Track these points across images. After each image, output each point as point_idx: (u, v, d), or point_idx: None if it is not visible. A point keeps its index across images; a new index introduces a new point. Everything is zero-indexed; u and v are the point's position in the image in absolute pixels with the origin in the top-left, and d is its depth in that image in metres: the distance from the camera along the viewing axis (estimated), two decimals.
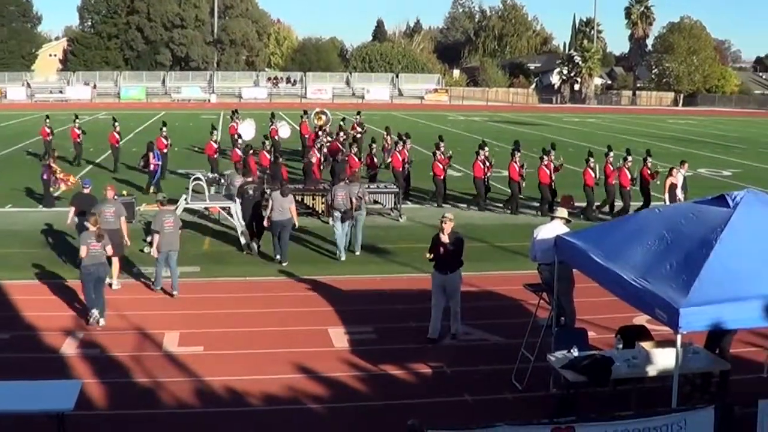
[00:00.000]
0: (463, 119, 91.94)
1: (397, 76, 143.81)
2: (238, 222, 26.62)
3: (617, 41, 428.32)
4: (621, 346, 15.07)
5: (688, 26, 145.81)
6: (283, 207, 24.75)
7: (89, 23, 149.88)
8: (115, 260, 21.78)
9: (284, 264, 24.86)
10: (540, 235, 17.00)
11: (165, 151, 40.60)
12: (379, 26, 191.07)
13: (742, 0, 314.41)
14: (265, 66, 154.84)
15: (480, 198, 34.43)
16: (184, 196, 27.59)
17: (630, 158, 33.42)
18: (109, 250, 19.16)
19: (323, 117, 49.25)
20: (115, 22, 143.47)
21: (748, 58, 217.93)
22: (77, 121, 47.12)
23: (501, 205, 34.62)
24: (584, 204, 32.79)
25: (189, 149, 54.26)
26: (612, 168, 33.48)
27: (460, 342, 18.30)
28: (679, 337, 11.40)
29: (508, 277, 22.93)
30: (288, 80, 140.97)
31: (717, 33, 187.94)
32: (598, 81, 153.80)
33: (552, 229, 16.88)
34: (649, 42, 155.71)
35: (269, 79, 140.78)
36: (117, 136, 43.83)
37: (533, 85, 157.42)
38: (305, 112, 52.74)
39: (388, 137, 41.70)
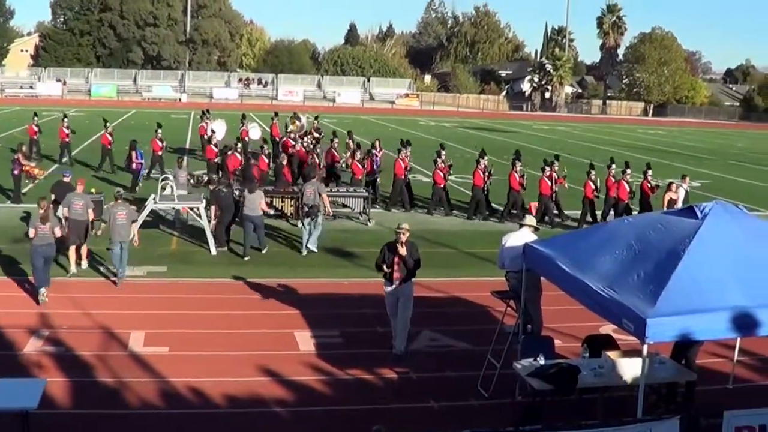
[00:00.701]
0: (433, 125, 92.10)
1: (368, 80, 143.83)
2: (206, 223, 26.55)
3: (588, 50, 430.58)
4: (587, 355, 15.10)
5: (659, 37, 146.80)
6: (253, 204, 25.54)
7: (62, 19, 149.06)
8: (75, 249, 22.89)
9: (263, 251, 26.15)
10: (508, 243, 17.05)
11: (160, 153, 40.70)
12: (352, 30, 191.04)
13: (713, 12, 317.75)
14: (237, 67, 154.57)
15: (481, 207, 34.06)
16: (152, 196, 27.44)
17: (629, 171, 32.89)
18: (57, 232, 20.45)
19: (297, 122, 49.01)
20: (88, 19, 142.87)
21: (719, 69, 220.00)
22: (66, 120, 46.46)
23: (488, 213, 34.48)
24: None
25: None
26: (614, 180, 32.86)
27: (427, 348, 18.29)
28: (645, 347, 11.44)
29: (476, 284, 22.92)
30: (259, 81, 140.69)
31: (688, 44, 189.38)
32: (568, 89, 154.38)
33: (520, 236, 16.92)
34: (621, 52, 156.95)
35: (241, 80, 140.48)
36: (109, 137, 43.32)
37: (504, 92, 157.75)
38: (276, 114, 52.60)
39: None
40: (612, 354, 14.60)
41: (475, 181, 33.94)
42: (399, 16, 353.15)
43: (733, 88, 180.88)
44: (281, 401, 15.16)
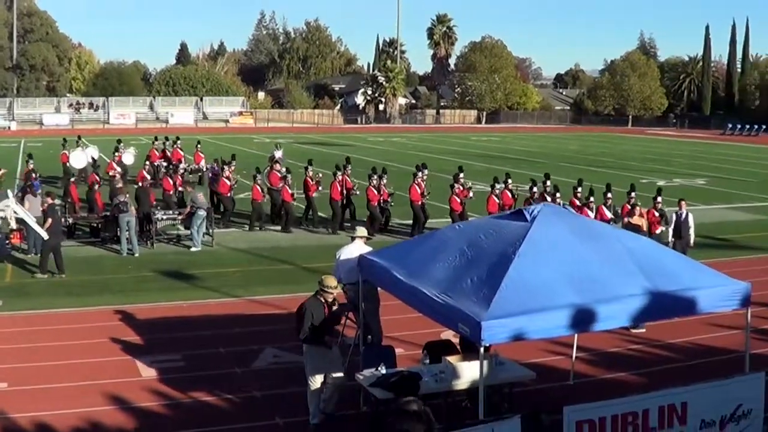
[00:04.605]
0: (268, 141, 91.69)
1: (201, 100, 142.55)
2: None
3: (421, 61, 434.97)
4: (428, 361, 15.22)
5: (489, 45, 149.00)
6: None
7: None
8: None
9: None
10: (343, 255, 17.14)
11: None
12: (183, 49, 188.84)
13: (541, 20, 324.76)
14: (67, 91, 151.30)
15: (419, 223, 33.62)
16: None
17: (610, 195, 29.45)
18: None
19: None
20: None
21: (549, 75, 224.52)
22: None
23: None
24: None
25: None
26: (578, 203, 29.82)
27: (270, 366, 18.24)
28: (482, 349, 11.60)
29: None
30: (90, 105, 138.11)
31: (518, 51, 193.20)
32: (402, 100, 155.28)
33: (355, 248, 17.03)
34: (452, 61, 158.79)
35: (71, 104, 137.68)
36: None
37: (338, 106, 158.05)
38: (156, 138, 52.18)
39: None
40: (452, 359, 14.74)
41: (412, 196, 33.94)
42: (230, 34, 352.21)
43: (564, 93, 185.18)
44: (125, 430, 14.90)
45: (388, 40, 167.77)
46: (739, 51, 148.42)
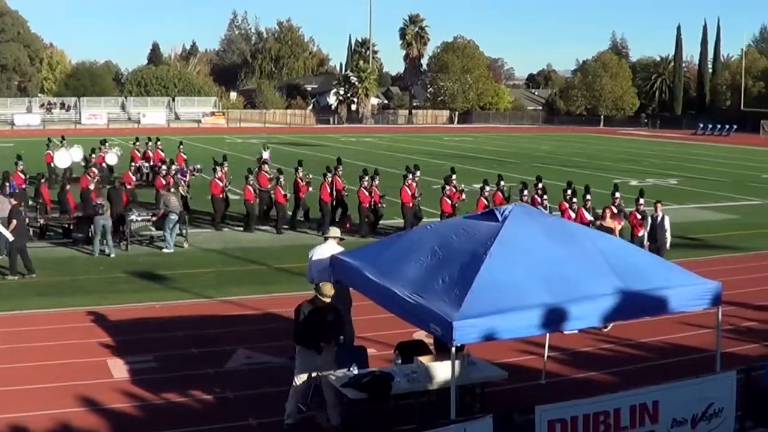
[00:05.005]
0: (240, 142, 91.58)
1: (173, 100, 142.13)
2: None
3: (393, 61, 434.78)
4: (400, 361, 15.21)
5: (461, 45, 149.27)
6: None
7: None
8: None
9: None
10: (315, 256, 17.11)
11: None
12: (155, 49, 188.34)
13: (513, 20, 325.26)
14: (38, 91, 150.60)
15: (407, 224, 33.01)
16: None
17: (589, 196, 29.15)
18: None
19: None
20: None
21: (521, 75, 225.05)
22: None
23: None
24: None
25: None
26: (566, 205, 29.46)
27: (244, 366, 18.17)
28: (453, 349, 11.61)
29: (288, 299, 22.79)
30: (62, 106, 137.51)
31: (490, 52, 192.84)
32: (374, 101, 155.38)
33: (326, 249, 17.01)
34: (424, 61, 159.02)
35: (43, 105, 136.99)
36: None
37: (311, 106, 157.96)
38: (137, 139, 52.61)
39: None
40: (424, 359, 14.73)
41: (403, 198, 33.82)
42: (202, 34, 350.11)
43: (536, 93, 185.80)
44: (97, 431, 14.80)
45: (360, 41, 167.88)
46: (710, 51, 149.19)
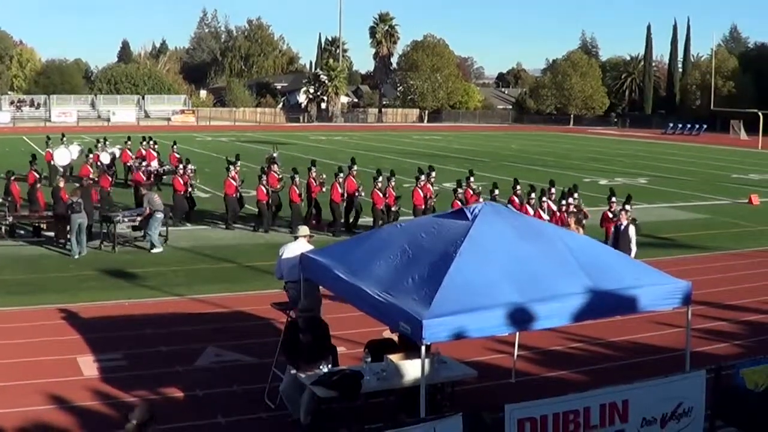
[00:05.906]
0: (210, 140, 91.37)
1: (143, 98, 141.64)
2: None
3: (363, 60, 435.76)
4: (369, 359, 15.14)
5: (431, 44, 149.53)
6: None
7: None
8: None
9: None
10: (285, 254, 17.10)
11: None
12: (125, 47, 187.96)
13: (483, 19, 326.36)
14: (8, 89, 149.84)
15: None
16: None
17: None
18: None
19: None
20: None
21: (491, 74, 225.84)
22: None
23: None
24: None
25: None
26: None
27: (213, 364, 18.08)
28: (423, 348, 11.58)
29: (257, 297, 22.82)
30: (32, 104, 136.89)
31: (460, 51, 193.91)
32: (344, 99, 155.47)
33: (296, 247, 17.02)
34: (394, 60, 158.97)
35: (12, 102, 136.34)
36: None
37: (280, 105, 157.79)
38: (129, 138, 52.59)
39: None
40: (394, 357, 14.68)
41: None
42: (172, 32, 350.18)
43: (506, 92, 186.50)
44: (67, 429, 14.70)
45: (330, 39, 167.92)
46: (680, 51, 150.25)
